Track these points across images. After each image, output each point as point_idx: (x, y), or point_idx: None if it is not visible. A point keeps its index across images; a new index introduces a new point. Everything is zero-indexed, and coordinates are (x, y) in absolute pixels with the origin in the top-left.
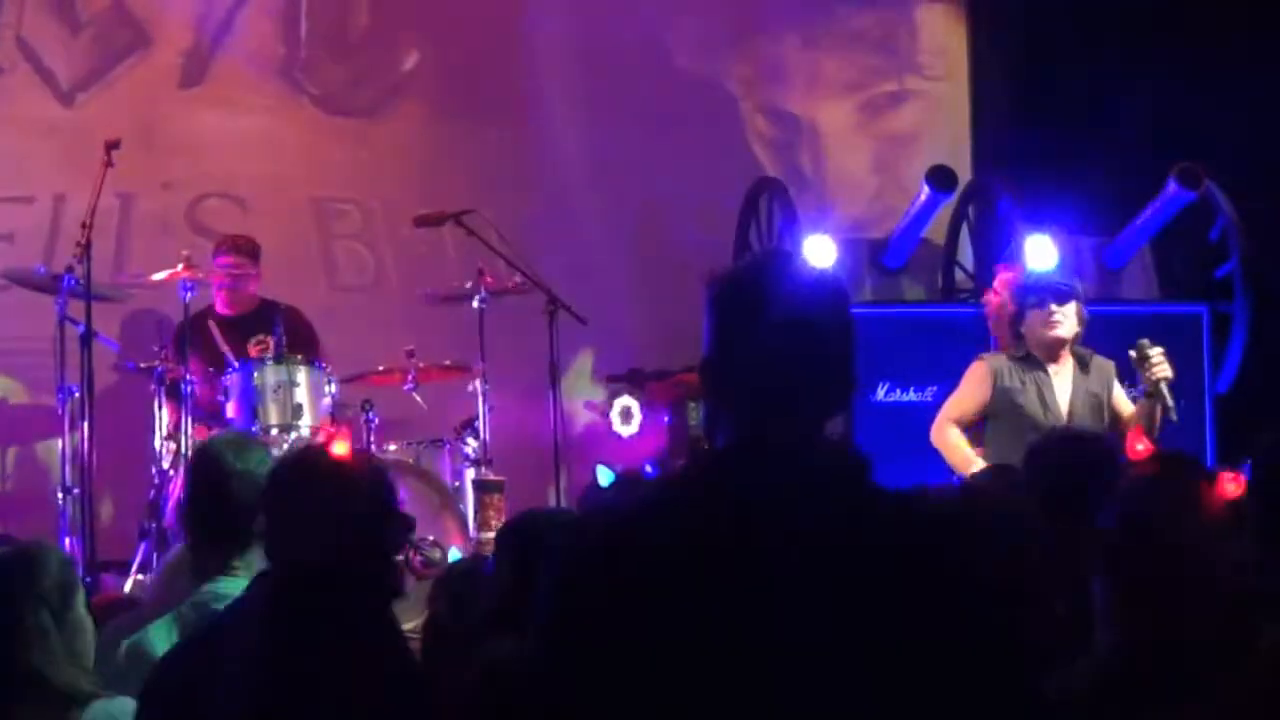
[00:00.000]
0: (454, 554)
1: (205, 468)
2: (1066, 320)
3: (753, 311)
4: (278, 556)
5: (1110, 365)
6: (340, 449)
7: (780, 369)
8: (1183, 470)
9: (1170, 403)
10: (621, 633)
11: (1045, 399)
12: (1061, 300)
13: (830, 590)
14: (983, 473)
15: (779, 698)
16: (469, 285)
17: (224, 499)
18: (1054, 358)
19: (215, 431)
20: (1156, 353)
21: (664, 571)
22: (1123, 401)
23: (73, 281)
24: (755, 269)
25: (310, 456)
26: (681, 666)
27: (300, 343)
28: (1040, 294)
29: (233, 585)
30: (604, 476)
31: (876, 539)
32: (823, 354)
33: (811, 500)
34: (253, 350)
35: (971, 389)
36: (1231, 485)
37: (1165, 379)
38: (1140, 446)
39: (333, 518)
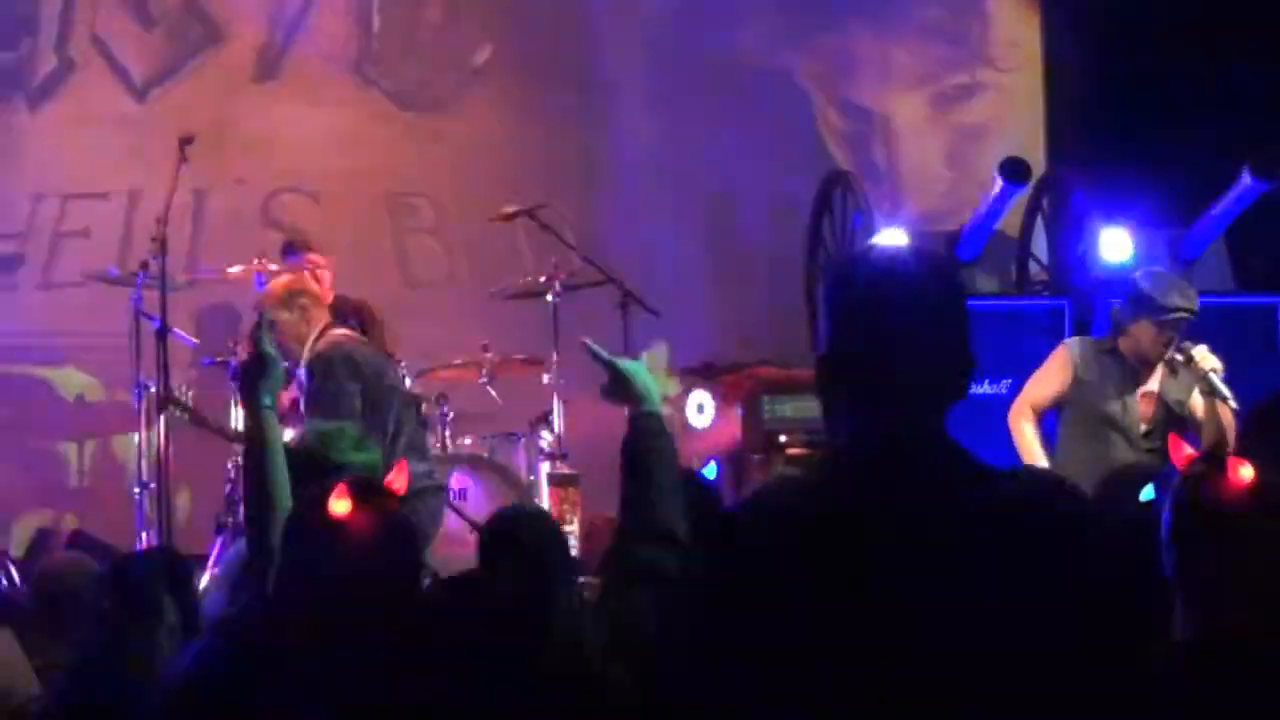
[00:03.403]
0: None
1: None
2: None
3: (867, 305)
4: (270, 598)
5: (1208, 360)
6: (340, 508)
7: (897, 362)
8: (1214, 467)
9: (1226, 392)
10: (750, 620)
11: (1126, 400)
12: (1182, 329)
13: (956, 582)
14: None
15: (895, 690)
16: (543, 280)
17: None
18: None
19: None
20: (1199, 350)
21: (784, 570)
22: (1198, 405)
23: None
24: (867, 262)
25: (309, 512)
26: (803, 656)
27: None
28: (1169, 319)
29: None
30: None
31: (1001, 530)
32: (939, 344)
33: (937, 496)
34: None
35: (1050, 374)
36: (1244, 471)
37: (1214, 370)
38: (1186, 452)
39: (321, 581)
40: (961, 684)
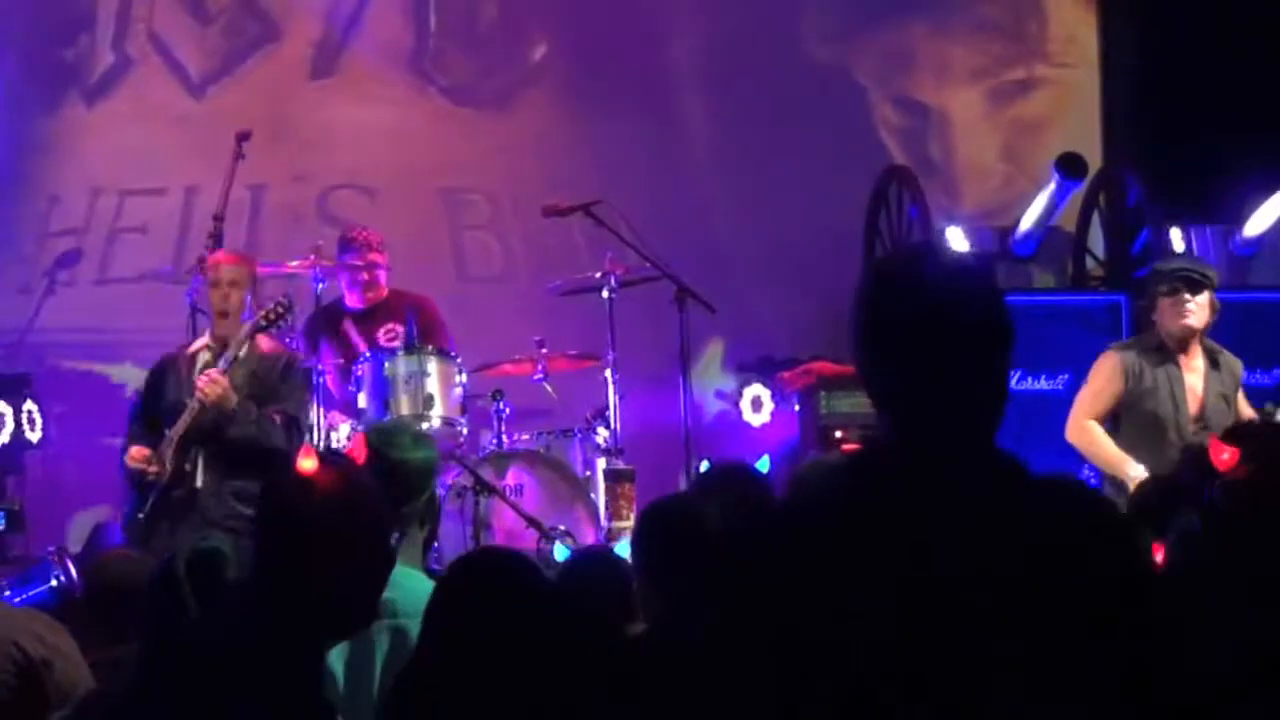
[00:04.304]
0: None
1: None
2: (1199, 310)
3: (898, 312)
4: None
5: (1239, 364)
6: (307, 464)
7: (929, 369)
8: (1267, 469)
9: None
10: (786, 618)
11: (1176, 397)
12: (1195, 290)
13: (988, 603)
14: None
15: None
16: (599, 276)
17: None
18: (1184, 349)
19: (354, 423)
20: None
21: (818, 568)
22: (1245, 406)
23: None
24: (900, 266)
25: (281, 472)
26: (838, 657)
27: (431, 333)
28: (1173, 282)
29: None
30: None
31: (1032, 541)
32: (973, 353)
33: (965, 508)
34: (383, 339)
35: (1103, 383)
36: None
37: None
38: (1225, 455)
39: (292, 537)
40: (994, 693)
